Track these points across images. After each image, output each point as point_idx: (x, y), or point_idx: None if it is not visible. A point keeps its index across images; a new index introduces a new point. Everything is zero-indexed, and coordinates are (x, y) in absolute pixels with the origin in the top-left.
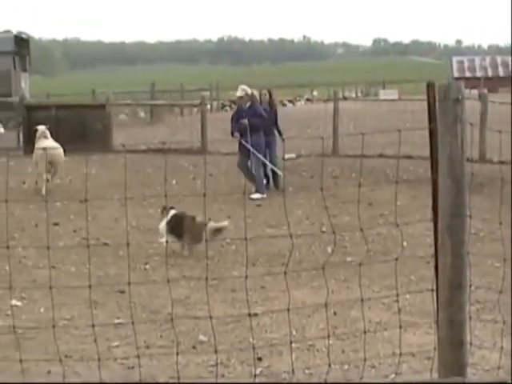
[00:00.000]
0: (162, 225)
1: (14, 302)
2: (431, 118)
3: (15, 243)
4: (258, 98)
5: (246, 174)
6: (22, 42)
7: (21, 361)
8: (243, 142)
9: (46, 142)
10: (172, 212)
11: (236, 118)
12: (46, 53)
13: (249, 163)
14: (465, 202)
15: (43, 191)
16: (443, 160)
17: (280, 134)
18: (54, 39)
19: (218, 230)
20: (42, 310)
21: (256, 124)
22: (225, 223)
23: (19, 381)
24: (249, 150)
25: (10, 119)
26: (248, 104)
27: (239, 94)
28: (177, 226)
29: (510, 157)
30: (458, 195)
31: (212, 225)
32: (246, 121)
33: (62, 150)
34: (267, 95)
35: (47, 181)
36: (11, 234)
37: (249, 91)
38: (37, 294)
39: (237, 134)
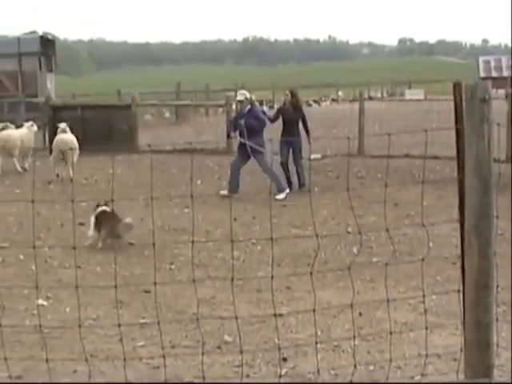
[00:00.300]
0: (91, 220)
1: (40, 301)
2: (458, 118)
3: (41, 243)
4: (283, 98)
5: (233, 176)
6: (47, 43)
7: (47, 360)
8: (243, 141)
9: (62, 135)
10: (100, 208)
11: (236, 122)
12: (71, 53)
13: (241, 165)
14: (492, 202)
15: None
16: (470, 160)
17: (308, 134)
18: (79, 40)
19: (126, 226)
20: (67, 309)
21: (252, 126)
22: (129, 219)
23: (45, 380)
24: (248, 153)
25: (36, 119)
26: (248, 108)
27: (240, 98)
28: (98, 221)
29: None
30: (485, 195)
31: (124, 221)
32: (242, 122)
33: (74, 140)
34: (289, 95)
35: (57, 176)
36: (37, 234)
37: (248, 95)
38: (63, 293)
39: (233, 134)
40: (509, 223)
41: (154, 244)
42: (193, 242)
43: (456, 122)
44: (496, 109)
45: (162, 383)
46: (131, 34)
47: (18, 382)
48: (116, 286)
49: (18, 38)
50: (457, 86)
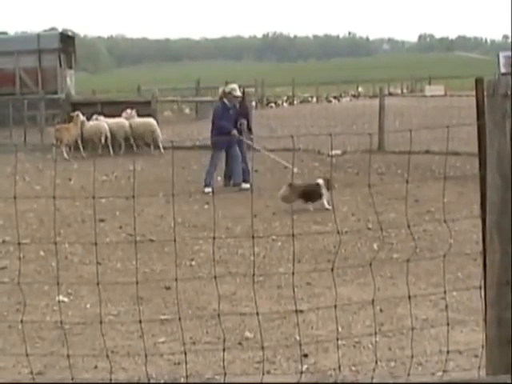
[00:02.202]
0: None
1: (60, 297)
2: (480, 114)
3: (61, 239)
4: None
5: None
6: (67, 40)
7: (68, 356)
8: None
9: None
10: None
11: (225, 116)
12: (91, 50)
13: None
14: None
15: None
16: (492, 156)
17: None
18: (99, 36)
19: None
20: (88, 305)
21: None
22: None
23: (66, 376)
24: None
25: (56, 116)
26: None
27: (238, 94)
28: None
29: None
30: (507, 191)
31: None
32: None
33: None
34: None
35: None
36: (58, 231)
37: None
38: (83, 289)
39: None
40: None
41: (174, 240)
42: (214, 238)
43: (478, 118)
44: None
45: (181, 383)
46: (151, 31)
47: (38, 382)
48: (137, 283)
49: (38, 35)
50: (479, 82)
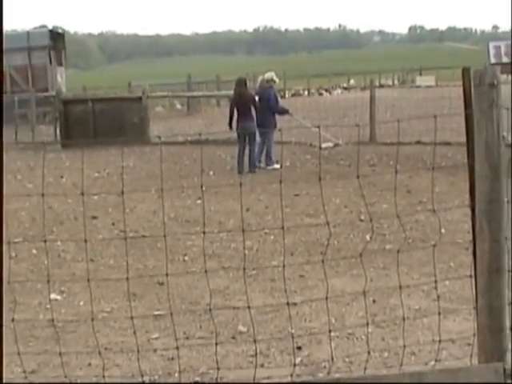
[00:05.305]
0: None
1: (53, 295)
2: (467, 104)
3: (54, 237)
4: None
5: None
6: (57, 37)
7: (61, 354)
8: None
9: None
10: None
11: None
12: (81, 47)
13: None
14: (502, 186)
15: None
16: (480, 145)
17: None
18: (89, 33)
19: None
20: (81, 303)
21: None
22: None
23: (60, 374)
24: None
25: (47, 114)
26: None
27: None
28: None
29: None
30: (496, 180)
31: None
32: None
33: None
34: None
35: None
36: (50, 228)
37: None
38: (76, 287)
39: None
40: None
41: (165, 236)
42: (204, 232)
43: (465, 108)
44: (507, 95)
45: (174, 383)
46: (141, 27)
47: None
48: (128, 279)
49: (28, 32)
50: (465, 72)
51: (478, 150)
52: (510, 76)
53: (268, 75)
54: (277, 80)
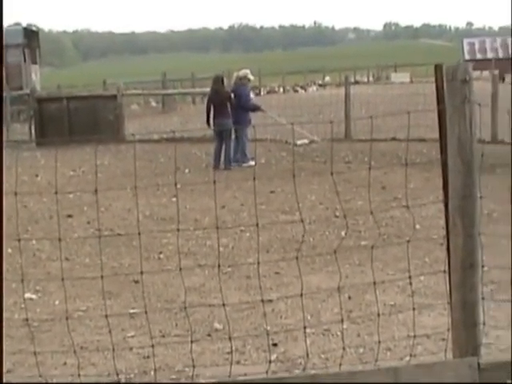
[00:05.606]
0: None
1: (28, 295)
2: (439, 100)
3: (29, 236)
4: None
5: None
6: (31, 35)
7: (36, 353)
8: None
9: None
10: None
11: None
12: (56, 45)
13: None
14: (475, 182)
15: None
16: (452, 141)
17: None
18: (64, 31)
19: None
20: (56, 302)
21: None
22: None
23: (35, 373)
24: None
25: (22, 112)
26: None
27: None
28: None
29: None
30: (468, 176)
31: None
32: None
33: None
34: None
35: None
36: (25, 227)
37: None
38: (51, 286)
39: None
40: (496, 204)
41: (139, 234)
42: (179, 230)
43: (438, 104)
44: (481, 90)
45: (149, 383)
46: (116, 24)
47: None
48: (103, 277)
49: (1, 30)
50: (438, 68)
51: (450, 146)
52: (483, 72)
53: (242, 73)
54: (251, 77)
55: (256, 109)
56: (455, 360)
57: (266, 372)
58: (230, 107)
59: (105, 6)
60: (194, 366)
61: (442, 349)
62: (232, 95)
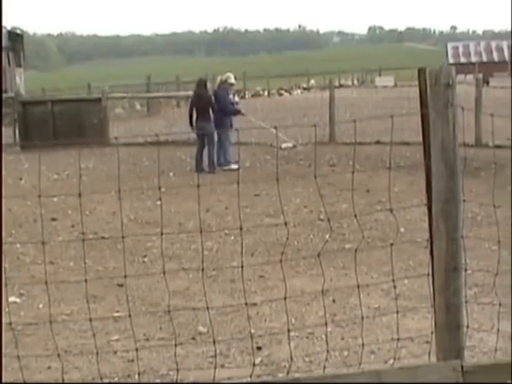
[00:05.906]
0: None
1: (12, 298)
2: (423, 104)
3: (13, 239)
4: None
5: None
6: (15, 38)
7: (19, 357)
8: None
9: None
10: None
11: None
12: (40, 48)
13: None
14: (458, 186)
15: None
16: (435, 145)
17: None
18: (48, 34)
19: None
20: (40, 305)
21: None
22: None
23: (19, 378)
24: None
25: (6, 115)
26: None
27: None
28: None
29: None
30: (452, 180)
31: None
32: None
33: None
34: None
35: None
36: (9, 231)
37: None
38: (36, 289)
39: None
40: (479, 206)
41: (123, 237)
42: (162, 233)
43: (421, 108)
44: (464, 94)
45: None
46: (101, 27)
47: None
48: (86, 280)
49: (0, 32)
50: (421, 72)
51: (433, 150)
52: (467, 76)
53: (224, 76)
54: (233, 81)
55: (236, 113)
56: (439, 363)
57: (250, 375)
58: (211, 111)
59: (89, 10)
60: (178, 370)
61: (425, 351)
62: (213, 99)
